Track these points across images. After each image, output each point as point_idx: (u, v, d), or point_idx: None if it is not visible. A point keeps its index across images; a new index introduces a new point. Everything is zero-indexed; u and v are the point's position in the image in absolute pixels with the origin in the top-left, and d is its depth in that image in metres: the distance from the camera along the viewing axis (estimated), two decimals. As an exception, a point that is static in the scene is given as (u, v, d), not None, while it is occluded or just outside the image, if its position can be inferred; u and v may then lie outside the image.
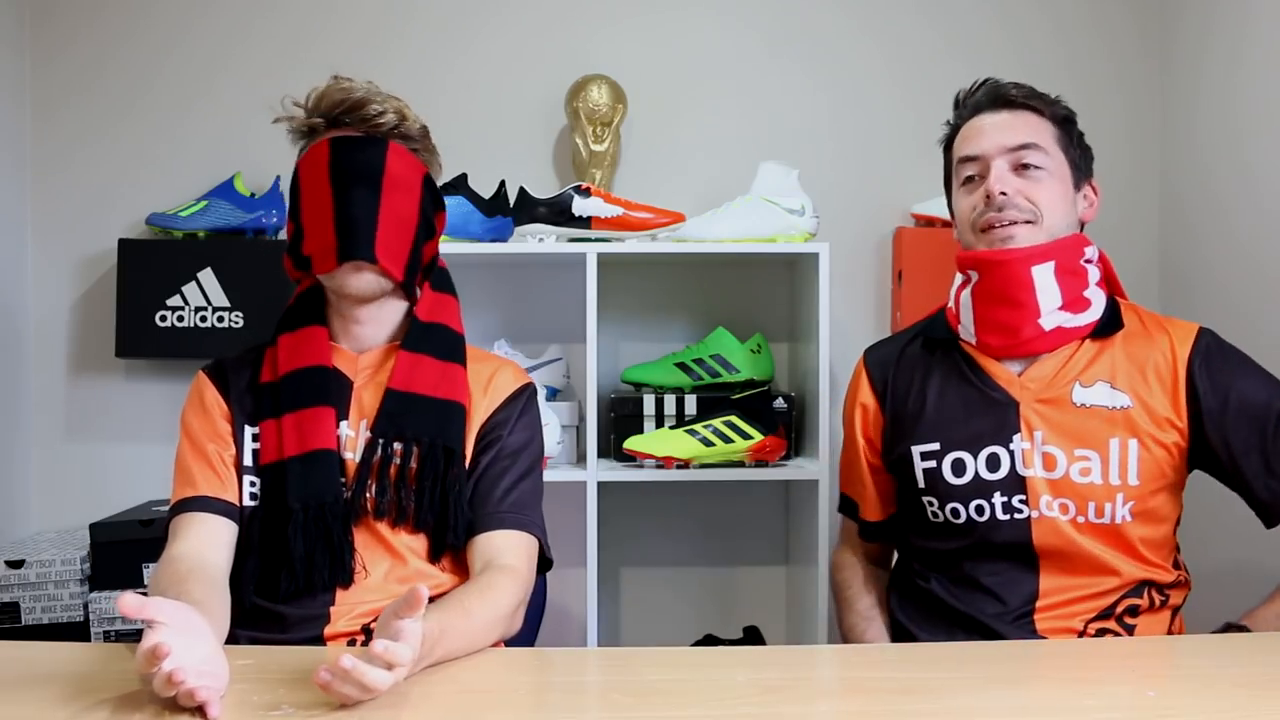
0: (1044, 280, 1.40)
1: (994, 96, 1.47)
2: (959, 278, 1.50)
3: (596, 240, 2.19)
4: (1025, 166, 1.43)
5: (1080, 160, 1.48)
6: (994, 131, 1.45)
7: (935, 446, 1.46)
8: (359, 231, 1.34)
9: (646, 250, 2.20)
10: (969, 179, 1.47)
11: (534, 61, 2.52)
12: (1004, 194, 1.41)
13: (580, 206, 2.18)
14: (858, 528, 1.64)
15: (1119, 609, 1.41)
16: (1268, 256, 2.07)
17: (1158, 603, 1.42)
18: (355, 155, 1.36)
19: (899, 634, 1.51)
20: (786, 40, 2.54)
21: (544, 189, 2.32)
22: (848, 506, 1.64)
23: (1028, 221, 1.41)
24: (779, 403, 2.25)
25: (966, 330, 1.48)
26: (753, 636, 2.39)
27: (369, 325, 1.43)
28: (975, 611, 1.43)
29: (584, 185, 2.21)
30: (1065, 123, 1.47)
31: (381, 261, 1.35)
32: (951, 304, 1.52)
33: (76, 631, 2.15)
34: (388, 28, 2.52)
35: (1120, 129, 2.52)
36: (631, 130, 2.49)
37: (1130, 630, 1.41)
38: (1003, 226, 1.41)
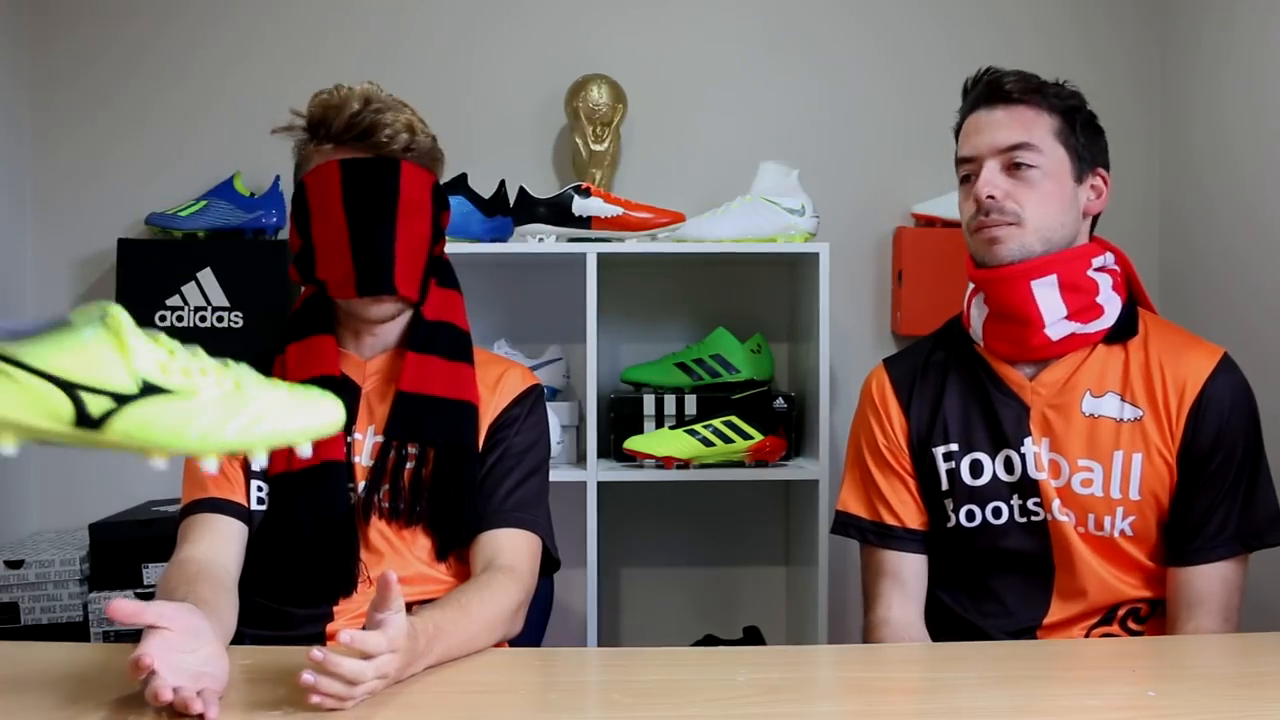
0: (1045, 295, 1.38)
1: (991, 91, 1.43)
2: (971, 283, 1.49)
3: (596, 240, 2.19)
4: (1017, 166, 1.39)
5: (1085, 149, 1.43)
6: (988, 130, 1.41)
7: (954, 447, 1.45)
8: (379, 265, 1.32)
9: (646, 250, 2.20)
10: (965, 179, 1.45)
11: (534, 61, 2.52)
12: (991, 198, 1.39)
13: (580, 206, 2.18)
14: (898, 547, 1.46)
15: (1120, 612, 1.41)
16: (1268, 257, 2.07)
17: (1161, 611, 1.41)
18: (369, 182, 1.33)
19: None
20: (786, 40, 2.54)
21: (544, 189, 2.32)
22: (877, 530, 1.47)
23: (1011, 224, 1.38)
24: (779, 403, 2.25)
25: (977, 334, 1.47)
26: (753, 636, 2.39)
27: (380, 335, 1.43)
28: (981, 622, 1.43)
29: (584, 185, 2.21)
30: (1070, 112, 1.42)
31: (401, 290, 1.34)
32: (965, 306, 1.50)
33: (76, 631, 2.15)
34: (387, 28, 2.51)
35: (1119, 130, 2.51)
36: (631, 130, 2.49)
37: (1136, 636, 1.40)
38: (988, 229, 1.40)
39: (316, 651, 0.96)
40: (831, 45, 2.54)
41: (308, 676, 0.96)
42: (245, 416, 0.79)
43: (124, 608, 0.93)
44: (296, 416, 0.83)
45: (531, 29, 2.52)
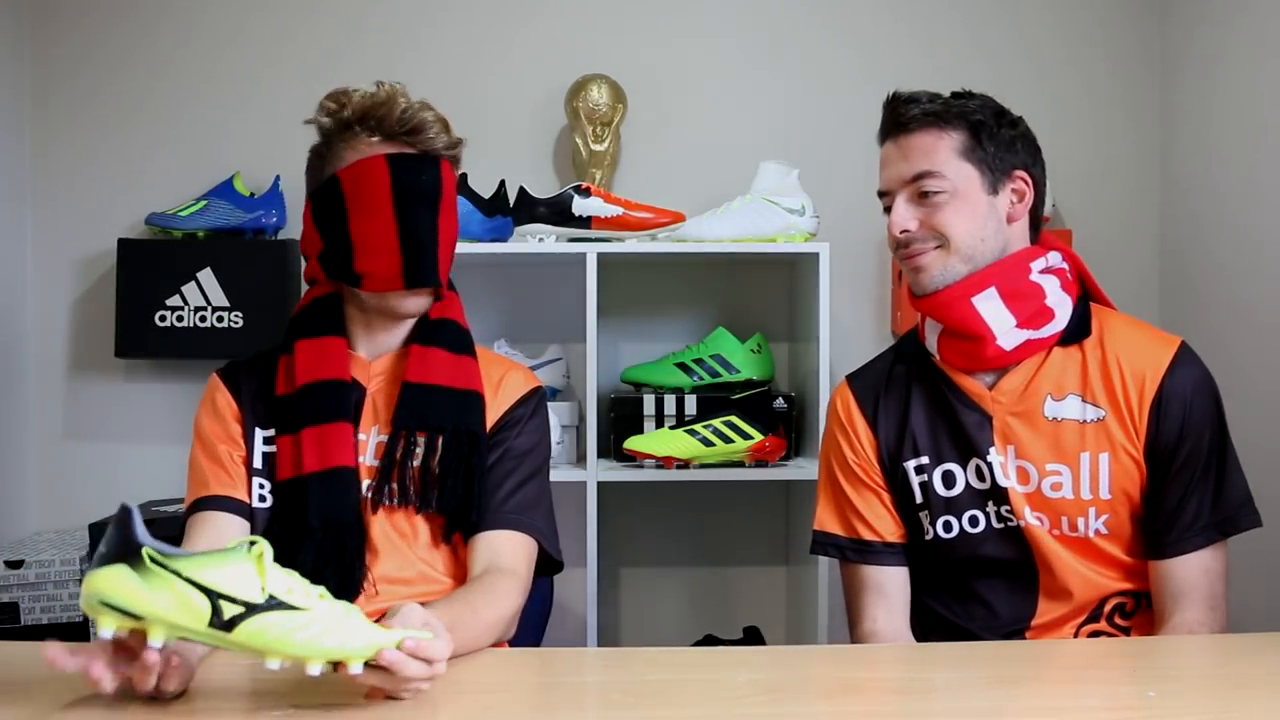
0: (989, 308, 1.37)
1: (892, 121, 1.42)
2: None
3: (596, 240, 2.19)
4: (925, 194, 1.38)
5: (996, 158, 1.39)
6: (893, 163, 1.41)
7: (925, 460, 1.45)
8: (425, 257, 1.36)
9: (646, 250, 2.20)
10: (886, 209, 1.44)
11: (534, 61, 2.52)
12: (905, 232, 1.39)
13: (580, 206, 2.18)
14: (877, 561, 1.46)
15: (1106, 608, 1.41)
16: (1269, 256, 2.07)
17: (1145, 604, 1.41)
18: (417, 178, 1.36)
19: None
20: (787, 40, 2.53)
21: (544, 189, 2.32)
22: (855, 547, 1.47)
23: (937, 247, 1.38)
24: (779, 403, 2.25)
25: (933, 347, 1.46)
26: (753, 636, 2.39)
27: (395, 333, 1.44)
28: (969, 625, 1.43)
29: (584, 185, 2.21)
30: (975, 126, 1.38)
31: (442, 282, 1.40)
32: (919, 321, 1.50)
33: (76, 631, 2.15)
34: (386, 28, 2.51)
35: (1119, 127, 2.53)
36: (631, 130, 2.49)
37: (1125, 631, 1.41)
38: (911, 259, 1.40)
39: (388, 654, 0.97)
40: (832, 44, 2.54)
41: (356, 670, 0.96)
42: (345, 632, 0.95)
43: (56, 654, 0.95)
44: (387, 635, 0.97)
45: (531, 29, 2.52)
